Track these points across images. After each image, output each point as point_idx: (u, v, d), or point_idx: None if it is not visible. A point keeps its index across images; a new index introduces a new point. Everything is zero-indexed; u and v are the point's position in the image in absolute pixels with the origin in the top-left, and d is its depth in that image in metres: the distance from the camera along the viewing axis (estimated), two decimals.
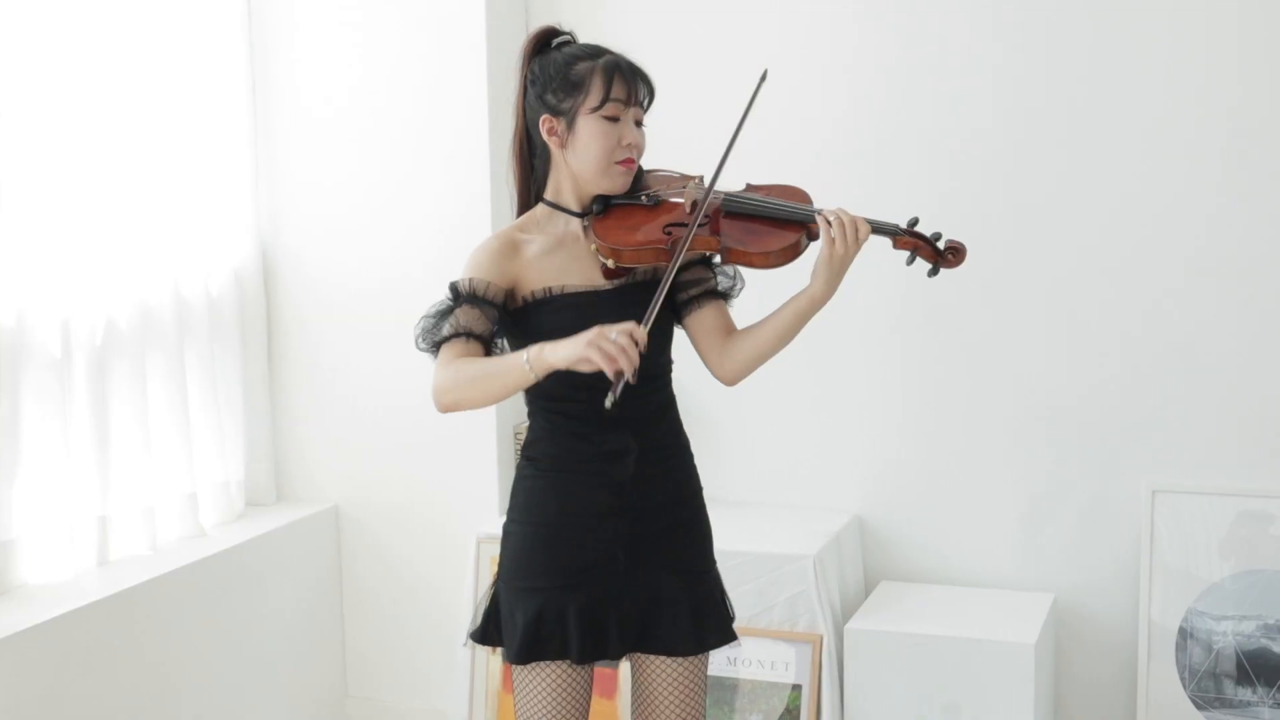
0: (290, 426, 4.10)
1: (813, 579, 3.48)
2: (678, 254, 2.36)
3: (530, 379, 2.28)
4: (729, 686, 3.56)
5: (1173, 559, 3.56)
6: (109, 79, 3.49)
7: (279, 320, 4.07)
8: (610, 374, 2.18)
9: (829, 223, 2.39)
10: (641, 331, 2.21)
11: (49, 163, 3.31)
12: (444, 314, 2.40)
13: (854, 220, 2.39)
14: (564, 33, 2.53)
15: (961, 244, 2.52)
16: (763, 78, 2.49)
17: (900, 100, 3.75)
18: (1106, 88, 3.57)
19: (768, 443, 3.96)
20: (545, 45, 2.51)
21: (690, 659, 2.53)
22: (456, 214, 3.88)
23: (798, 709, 3.49)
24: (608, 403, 2.18)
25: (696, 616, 2.50)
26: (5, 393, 3.16)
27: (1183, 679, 3.55)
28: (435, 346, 2.40)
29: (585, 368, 2.20)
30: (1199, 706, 3.53)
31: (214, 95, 3.85)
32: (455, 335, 2.37)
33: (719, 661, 3.55)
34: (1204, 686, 3.53)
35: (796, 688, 3.49)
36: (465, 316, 2.38)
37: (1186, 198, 3.53)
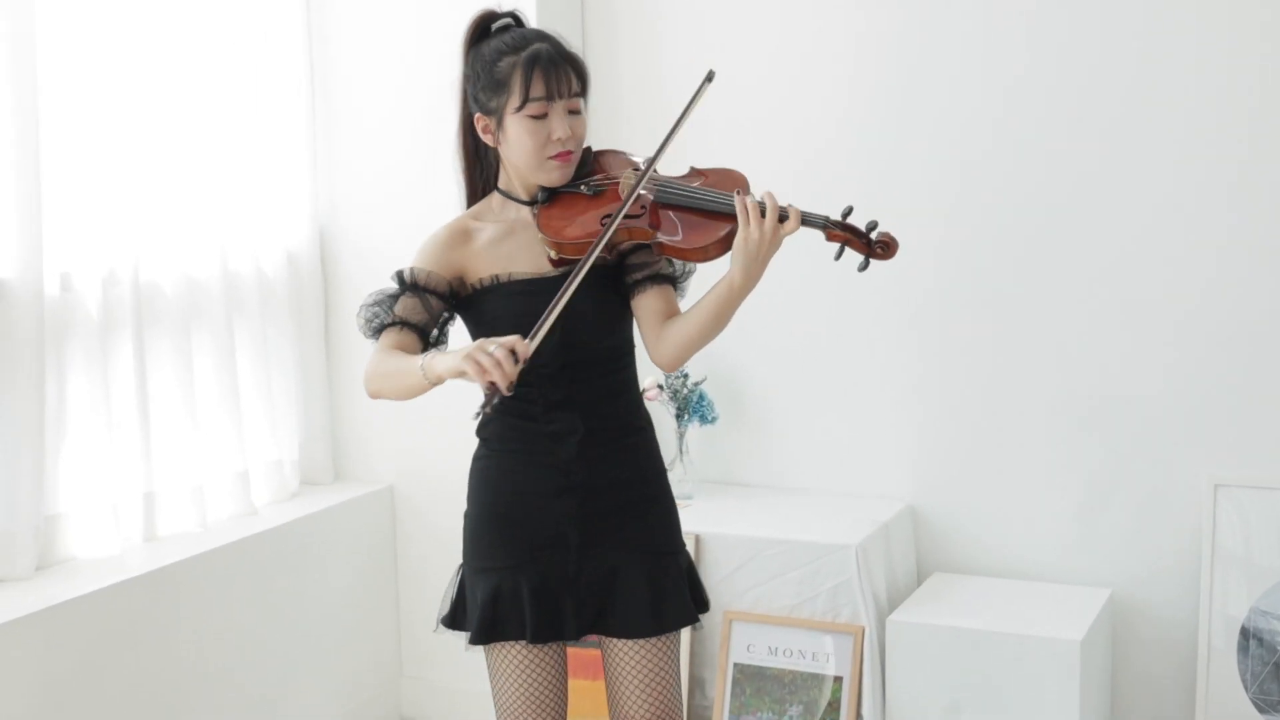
0: (347, 406, 4.13)
1: (855, 569, 3.42)
2: (594, 248, 2.32)
3: (425, 384, 2.31)
4: (770, 676, 3.51)
5: (1235, 555, 3.44)
6: (174, 58, 3.55)
7: (336, 301, 4.11)
8: (482, 386, 2.19)
9: (746, 208, 2.29)
10: (525, 345, 2.20)
11: (107, 133, 3.36)
12: (383, 302, 2.45)
13: (774, 208, 2.29)
14: (502, 15, 2.49)
15: (892, 237, 2.33)
16: (707, 79, 2.41)
17: (928, 67, 3.68)
18: (1166, 60, 3.46)
19: (819, 429, 3.90)
20: (484, 32, 2.49)
21: (654, 640, 2.50)
22: None
23: (839, 701, 3.44)
24: (476, 416, 2.26)
25: (656, 597, 2.48)
26: (52, 363, 3.22)
27: (1244, 680, 3.42)
28: (376, 333, 2.44)
29: (462, 378, 2.22)
30: (1261, 710, 3.40)
31: (274, 76, 3.89)
32: (390, 324, 2.42)
33: (761, 651, 3.51)
34: (1267, 689, 3.40)
35: (838, 679, 3.44)
36: (403, 306, 2.43)
37: (1251, 180, 3.40)
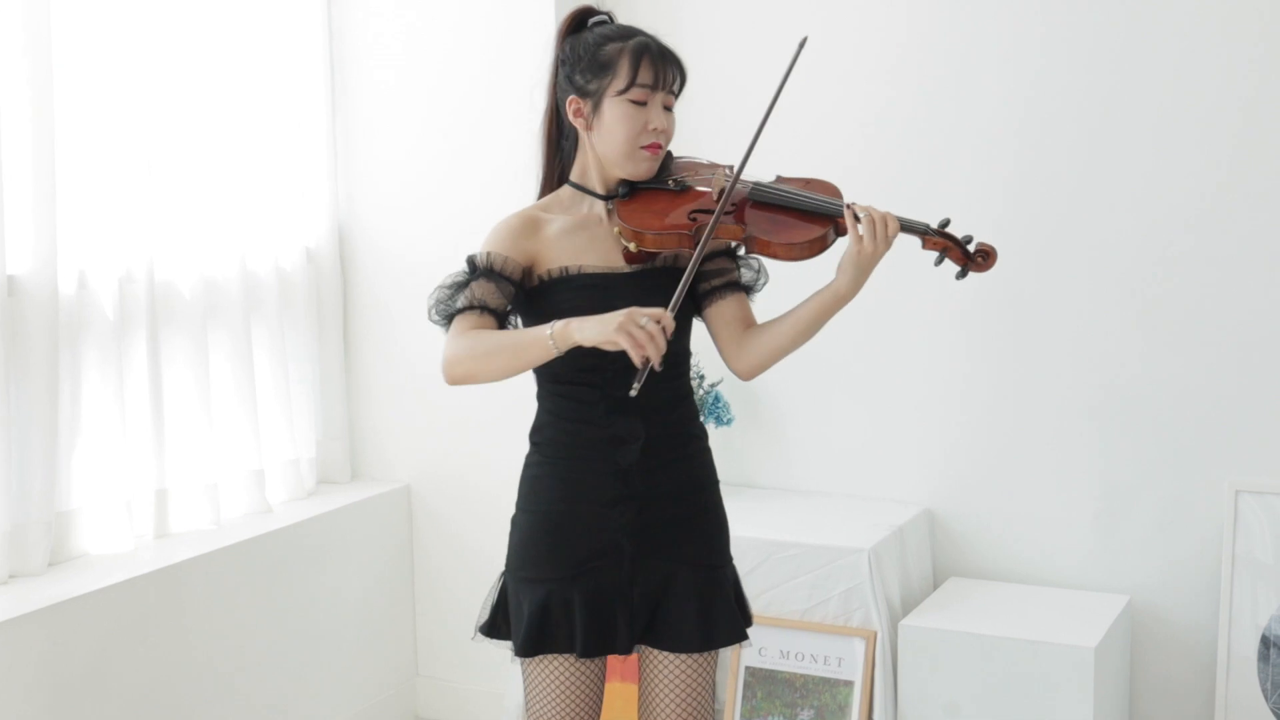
0: (365, 405, 4.14)
1: (867, 573, 3.39)
2: (703, 240, 2.31)
3: (552, 354, 2.25)
4: (782, 680, 3.49)
5: (1256, 562, 3.39)
6: (194, 54, 3.56)
7: (355, 301, 4.11)
8: (636, 360, 2.16)
9: (858, 218, 2.32)
10: (669, 318, 2.19)
11: (124, 130, 3.37)
12: (459, 286, 2.38)
13: (884, 217, 2.32)
14: (601, 13, 2.48)
15: (992, 247, 2.42)
16: (801, 45, 2.39)
17: (956, 78, 3.65)
18: (1189, 56, 3.41)
19: (837, 432, 3.87)
20: (581, 25, 2.47)
21: (696, 656, 2.45)
22: (530, 196, 3.85)
23: (850, 705, 3.41)
24: (632, 390, 2.18)
25: (705, 612, 2.43)
26: (67, 361, 3.24)
27: (1264, 690, 3.37)
28: (448, 319, 2.37)
29: (610, 348, 2.17)
30: None
31: (294, 73, 3.90)
32: (470, 308, 2.35)
33: (773, 655, 3.49)
34: None
35: (849, 684, 3.41)
36: (480, 290, 2.36)
37: (1272, 184, 3.35)
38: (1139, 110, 3.47)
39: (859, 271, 2.33)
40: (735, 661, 3.52)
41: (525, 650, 2.41)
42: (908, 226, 2.37)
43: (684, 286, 2.26)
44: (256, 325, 3.77)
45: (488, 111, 3.90)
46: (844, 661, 3.42)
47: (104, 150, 3.34)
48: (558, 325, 2.23)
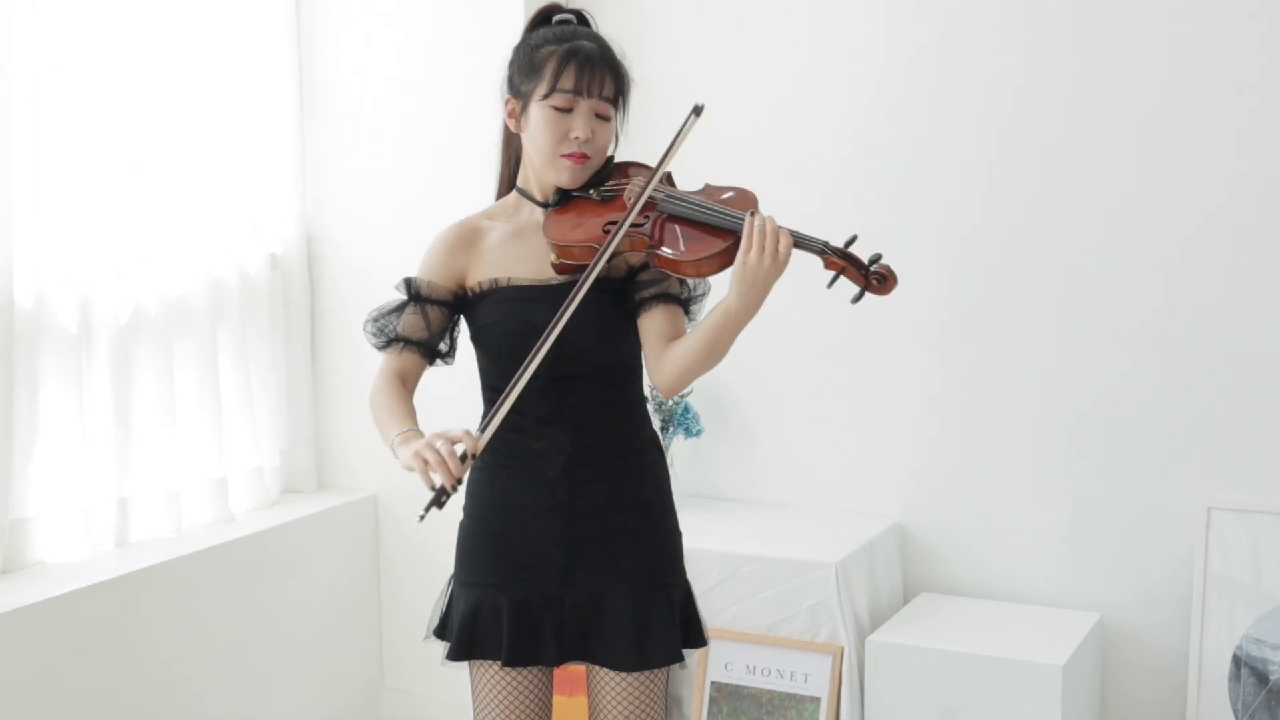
0: (332, 413, 4.09)
1: (834, 588, 3.34)
2: (601, 251, 2.24)
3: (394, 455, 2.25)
4: (748, 696, 3.44)
5: (1228, 580, 3.35)
6: (153, 62, 3.51)
7: (323, 308, 4.07)
8: (427, 484, 2.13)
9: (751, 229, 2.18)
10: (476, 441, 2.14)
11: (85, 133, 3.32)
12: (388, 314, 2.39)
13: (775, 230, 2.18)
14: (567, 11, 2.40)
15: (890, 270, 2.22)
16: (695, 112, 2.30)
17: (932, 97, 3.62)
18: (1156, 83, 3.39)
19: (808, 444, 3.83)
20: (545, 22, 2.40)
21: (638, 675, 2.38)
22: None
23: None
24: (420, 516, 2.13)
25: (640, 630, 2.36)
26: (23, 371, 3.19)
27: (1235, 710, 3.33)
28: (383, 348, 2.38)
29: (410, 470, 2.16)
30: None
31: (259, 82, 3.85)
32: (392, 342, 2.36)
33: (739, 670, 3.44)
34: (1258, 719, 3.30)
35: (815, 700, 3.36)
36: (407, 322, 2.37)
37: (1240, 199, 3.33)
38: (1120, 131, 3.44)
39: (746, 286, 2.18)
40: (700, 676, 3.48)
41: (455, 654, 2.39)
42: (802, 242, 2.21)
43: (560, 317, 2.20)
44: (221, 331, 3.72)
45: (459, 119, 3.86)
46: (810, 677, 3.37)
47: (67, 153, 3.30)
48: (397, 439, 2.23)
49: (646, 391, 3.67)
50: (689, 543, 3.44)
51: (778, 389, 3.83)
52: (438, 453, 2.11)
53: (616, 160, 2.45)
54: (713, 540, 3.51)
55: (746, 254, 2.17)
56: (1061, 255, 3.51)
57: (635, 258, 2.35)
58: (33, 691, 3.02)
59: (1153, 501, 3.46)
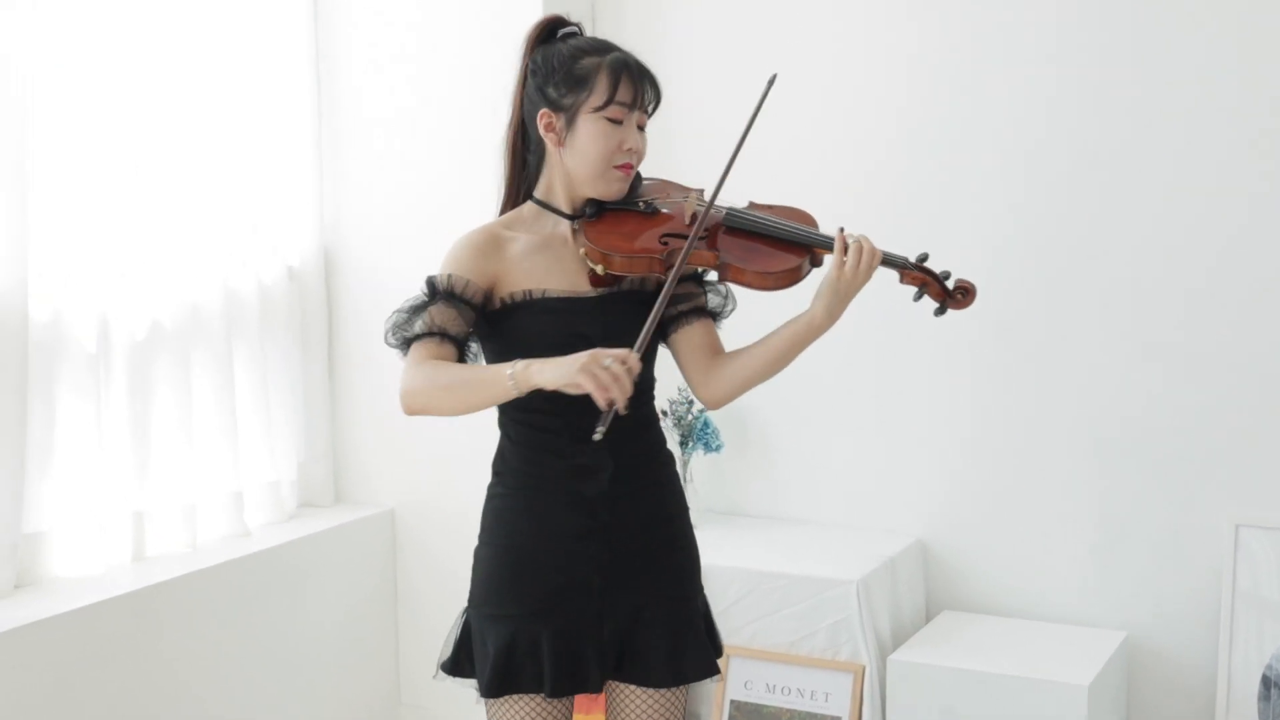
0: (350, 426, 4.06)
1: (855, 606, 3.30)
2: (677, 266, 2.23)
3: (512, 394, 2.14)
4: (768, 715, 3.39)
5: (1257, 599, 3.29)
6: (170, 76, 3.49)
7: (341, 321, 4.04)
8: (601, 403, 2.06)
9: (845, 245, 2.25)
10: (635, 359, 2.09)
11: (104, 146, 3.31)
12: (418, 309, 2.27)
13: (871, 247, 2.26)
14: (572, 23, 2.39)
15: (971, 284, 2.37)
16: (770, 82, 2.32)
17: (962, 108, 3.58)
18: (1186, 96, 3.35)
19: (829, 459, 3.79)
20: (550, 35, 2.37)
21: (666, 691, 2.36)
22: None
23: None
24: (596, 434, 2.08)
25: (675, 646, 2.34)
26: (40, 384, 3.17)
27: None
28: (406, 343, 2.27)
29: (573, 391, 2.07)
30: None
31: (277, 94, 3.83)
32: (428, 334, 2.24)
33: (759, 688, 3.40)
34: None
35: (836, 719, 3.31)
36: (440, 315, 2.25)
37: (1272, 213, 3.28)
38: (1149, 145, 3.40)
39: (836, 300, 2.27)
40: (720, 695, 3.43)
41: (491, 691, 2.31)
42: (888, 259, 2.31)
43: (654, 319, 2.18)
44: (238, 344, 3.70)
45: (477, 132, 3.82)
46: (831, 696, 3.33)
47: (85, 165, 3.28)
48: (519, 365, 2.13)
49: (665, 406, 3.69)
50: (708, 559, 3.43)
51: (800, 402, 3.78)
52: (608, 370, 2.04)
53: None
54: (732, 556, 3.47)
55: (841, 268, 2.25)
56: (1090, 270, 3.47)
57: (690, 270, 2.35)
58: (47, 707, 2.99)
59: (1180, 518, 3.41)
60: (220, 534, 3.63)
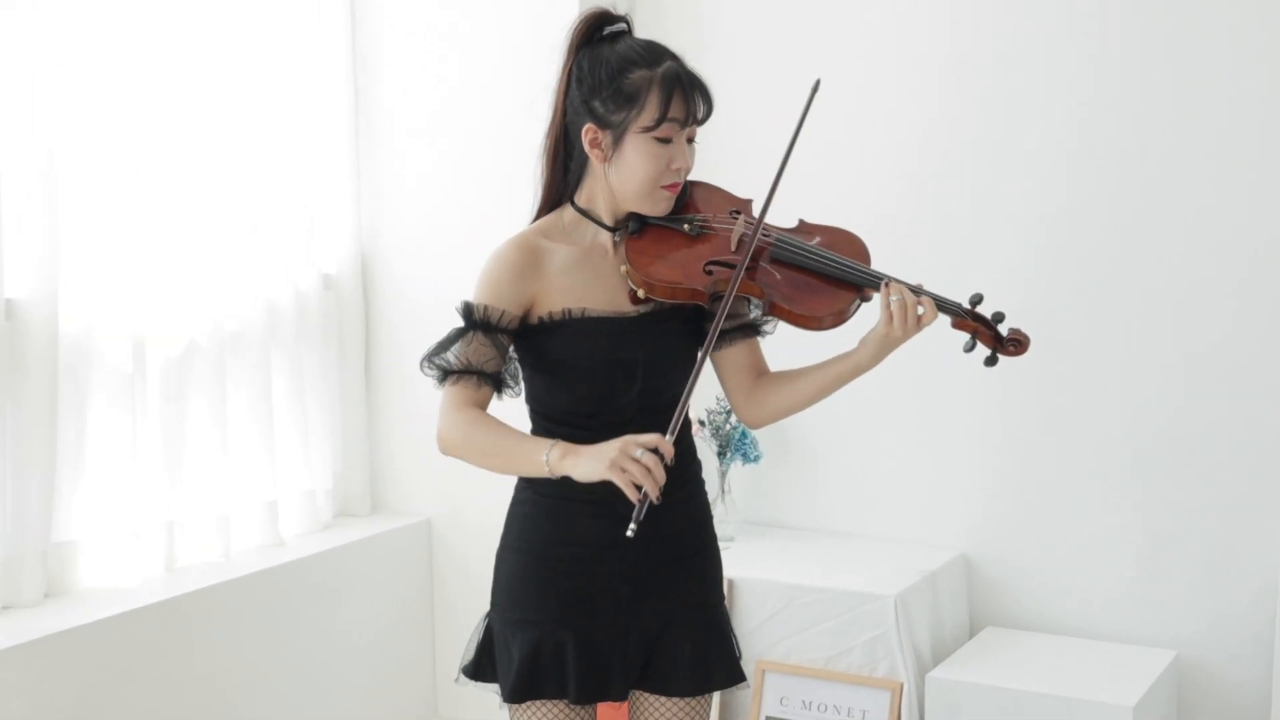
0: (386, 435, 4.03)
1: (893, 621, 3.22)
2: (723, 308, 2.17)
3: (545, 475, 2.15)
4: None
5: None
6: (205, 87, 3.48)
7: (377, 330, 4.02)
8: (633, 498, 2.04)
9: (890, 306, 2.19)
10: (669, 445, 2.06)
11: (138, 160, 3.30)
12: (454, 343, 2.22)
13: (918, 302, 2.19)
14: (619, 18, 2.26)
15: (1024, 335, 2.32)
16: (815, 88, 2.26)
17: (1000, 115, 3.51)
18: (1223, 101, 3.26)
19: (869, 471, 3.72)
20: (597, 32, 2.24)
21: (690, 700, 2.32)
22: None
23: None
24: (629, 530, 2.04)
25: (701, 655, 2.31)
26: (71, 395, 3.17)
27: None
28: (443, 373, 2.22)
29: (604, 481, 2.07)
30: None
31: (314, 101, 3.82)
32: (466, 373, 2.20)
33: (794, 705, 3.33)
34: None
35: None
36: (476, 352, 2.20)
37: None
38: (1188, 151, 3.31)
39: (883, 350, 2.25)
40: (755, 710, 3.36)
41: (515, 696, 2.28)
42: (942, 306, 2.26)
43: (689, 390, 2.13)
44: (274, 352, 3.68)
45: (515, 139, 3.79)
46: (868, 714, 3.25)
47: (118, 178, 3.27)
48: (555, 455, 2.11)
49: (703, 415, 3.63)
50: (745, 571, 3.40)
51: (840, 413, 3.69)
52: (639, 463, 2.03)
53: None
54: (769, 569, 3.41)
55: (889, 325, 2.21)
56: (1129, 279, 3.38)
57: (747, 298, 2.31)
58: (77, 717, 2.98)
59: (1230, 533, 3.31)
60: (254, 544, 3.61)
